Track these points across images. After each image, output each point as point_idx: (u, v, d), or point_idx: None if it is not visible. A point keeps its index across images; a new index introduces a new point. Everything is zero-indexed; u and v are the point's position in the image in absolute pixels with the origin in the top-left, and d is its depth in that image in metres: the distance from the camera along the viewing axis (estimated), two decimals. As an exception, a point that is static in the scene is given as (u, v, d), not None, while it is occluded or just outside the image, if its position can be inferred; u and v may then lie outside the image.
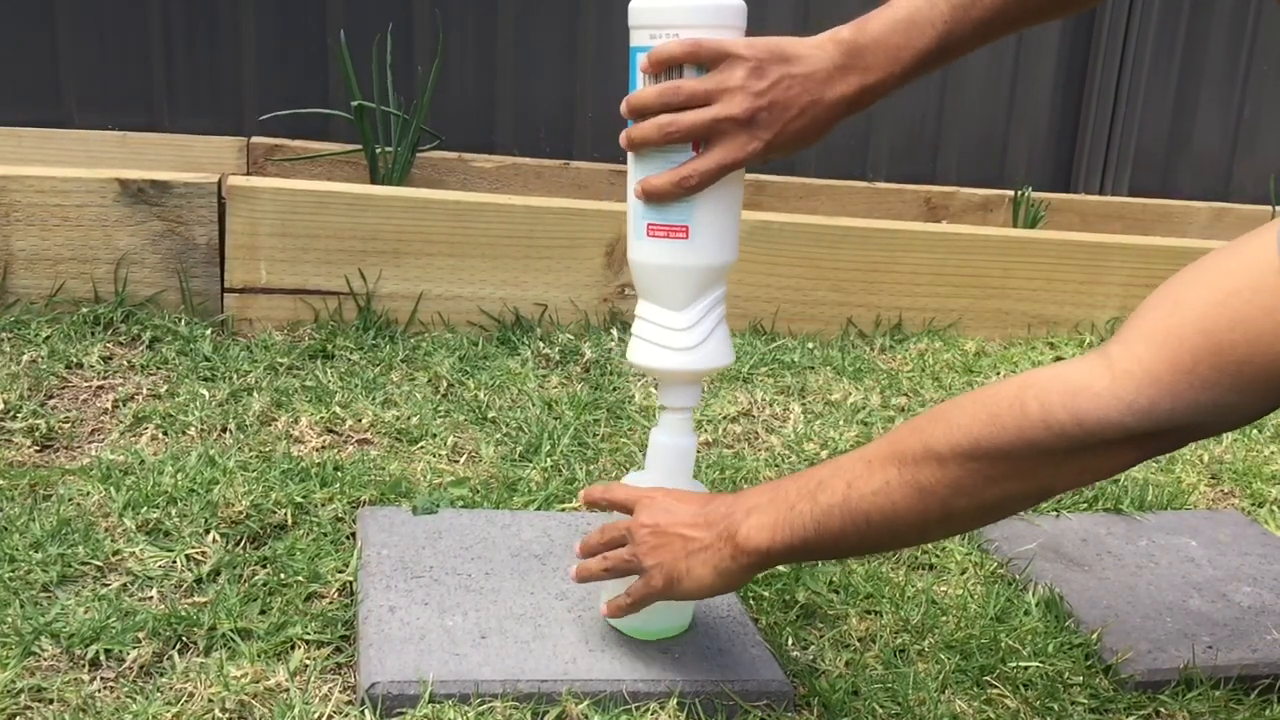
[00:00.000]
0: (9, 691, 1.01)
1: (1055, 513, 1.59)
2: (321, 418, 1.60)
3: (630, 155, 1.03)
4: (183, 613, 1.14)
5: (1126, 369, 0.83)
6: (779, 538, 0.97)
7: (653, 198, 1.01)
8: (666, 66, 0.99)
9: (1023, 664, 1.22)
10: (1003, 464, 0.88)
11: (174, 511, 1.32)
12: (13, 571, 1.18)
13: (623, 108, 1.01)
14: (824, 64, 1.00)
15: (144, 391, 1.64)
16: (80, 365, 1.69)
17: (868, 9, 1.03)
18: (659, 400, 1.10)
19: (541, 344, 1.95)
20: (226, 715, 1.02)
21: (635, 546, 1.04)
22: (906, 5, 1.02)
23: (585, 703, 1.06)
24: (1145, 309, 0.86)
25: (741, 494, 1.03)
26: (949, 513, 0.91)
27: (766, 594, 1.30)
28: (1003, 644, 1.25)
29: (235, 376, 1.71)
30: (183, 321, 1.84)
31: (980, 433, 0.88)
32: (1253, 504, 1.72)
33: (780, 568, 1.32)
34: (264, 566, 1.25)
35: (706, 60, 0.98)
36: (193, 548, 1.25)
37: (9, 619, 1.10)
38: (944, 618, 1.30)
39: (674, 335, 1.05)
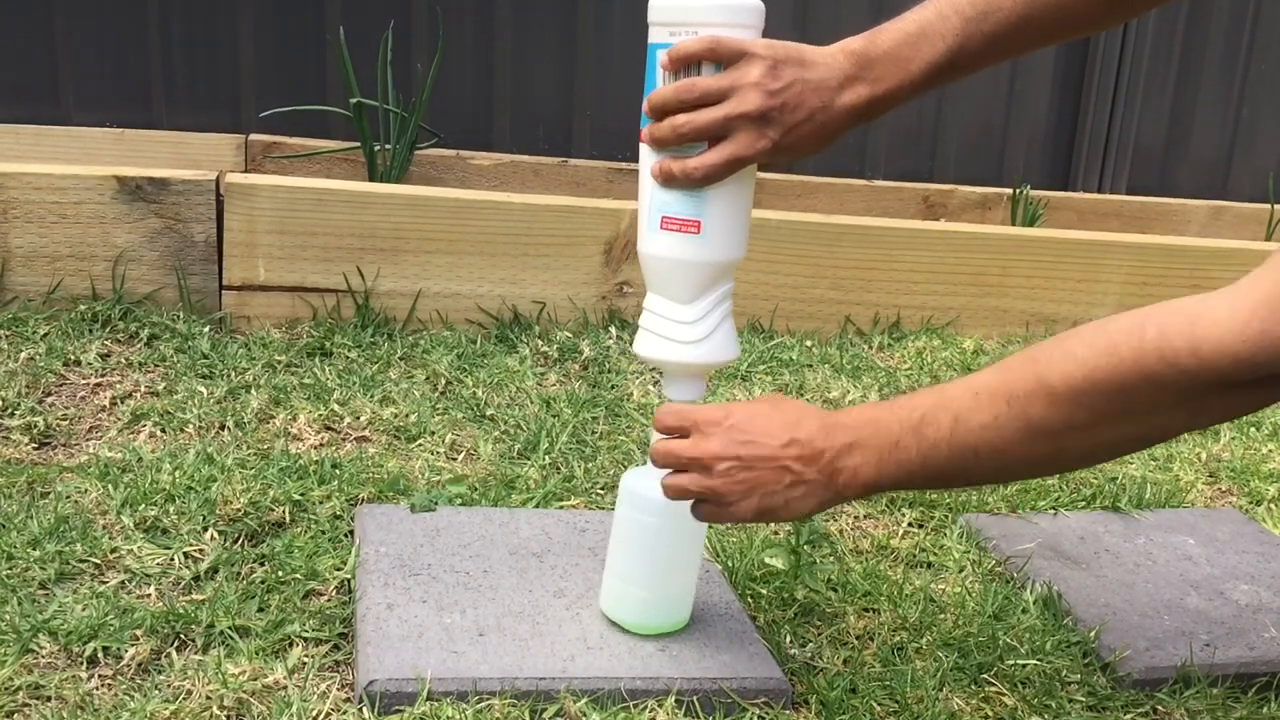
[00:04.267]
0: (7, 689, 1.01)
1: (1053, 511, 1.59)
2: (319, 415, 1.60)
3: (644, 146, 1.04)
4: (181, 610, 1.14)
5: (1249, 295, 0.80)
6: (885, 473, 0.96)
7: (664, 180, 1.02)
8: (686, 64, 1.00)
9: (1020, 662, 1.22)
10: (1117, 400, 0.84)
11: (172, 509, 1.31)
12: (10, 569, 1.18)
13: (644, 106, 1.02)
14: (835, 73, 1.01)
15: (142, 389, 1.64)
16: (78, 362, 1.69)
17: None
18: (665, 393, 1.11)
19: (540, 342, 1.95)
20: (224, 713, 1.02)
21: (713, 479, 1.00)
22: (918, 18, 1.03)
23: (583, 700, 1.06)
24: None
25: (829, 422, 0.99)
26: (1059, 450, 0.89)
27: (765, 591, 1.31)
28: (1000, 642, 1.25)
29: (233, 374, 1.71)
30: (181, 319, 1.84)
31: (1096, 364, 0.84)
32: (1251, 502, 1.72)
33: (778, 565, 1.32)
34: (262, 564, 1.25)
35: (724, 58, 0.99)
36: (190, 545, 1.25)
37: (7, 616, 1.10)
38: (942, 615, 1.30)
39: (680, 328, 1.06)
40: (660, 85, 1.02)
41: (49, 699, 1.01)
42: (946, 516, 1.54)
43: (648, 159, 1.04)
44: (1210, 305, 0.81)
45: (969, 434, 0.91)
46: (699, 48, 0.99)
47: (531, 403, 1.73)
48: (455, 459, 1.55)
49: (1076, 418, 0.86)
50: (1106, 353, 0.84)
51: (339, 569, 1.24)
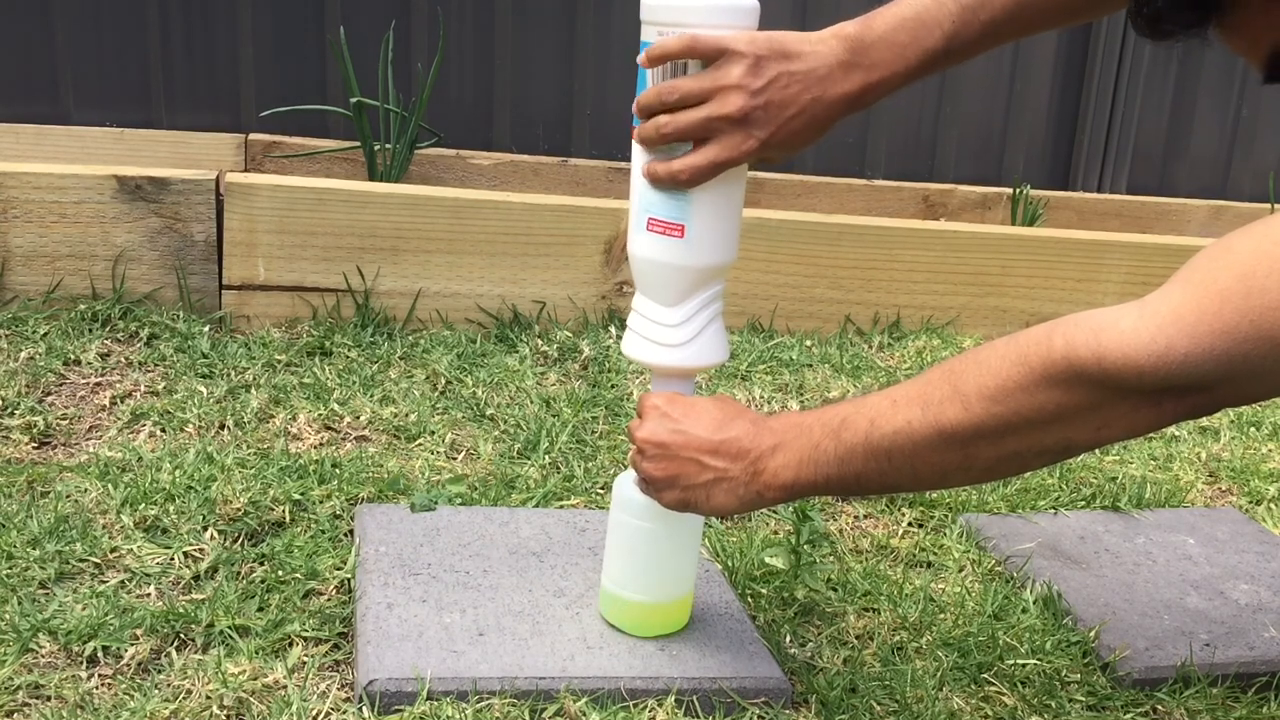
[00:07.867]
0: (7, 688, 1.01)
1: (1053, 510, 1.59)
2: (319, 415, 1.60)
3: (636, 145, 1.04)
4: (180, 610, 1.14)
5: (1155, 309, 0.80)
6: (804, 475, 0.97)
7: (651, 180, 1.02)
8: (663, 62, 0.99)
9: (1020, 661, 1.22)
10: (1026, 409, 0.85)
11: (172, 508, 1.31)
12: (10, 568, 1.18)
13: (634, 106, 1.02)
14: (826, 60, 0.99)
15: (142, 388, 1.64)
16: (78, 362, 1.69)
17: (867, 7, 1.03)
18: (651, 390, 1.10)
19: (540, 341, 1.95)
20: (224, 712, 1.02)
21: (645, 461, 1.04)
22: (914, 4, 1.02)
23: (583, 700, 1.06)
24: (1198, 254, 0.82)
25: (760, 424, 1.01)
26: (968, 458, 0.89)
27: (764, 591, 1.31)
28: (1000, 641, 1.25)
29: (233, 373, 1.71)
30: (180, 318, 1.84)
31: (1008, 373, 0.85)
32: (1250, 502, 1.72)
33: (778, 565, 1.32)
34: (262, 563, 1.25)
35: (704, 56, 0.98)
36: (190, 545, 1.25)
37: (7, 616, 1.10)
38: (942, 615, 1.30)
39: (664, 331, 1.05)
40: (649, 85, 1.01)
41: (49, 698, 1.01)
42: (946, 516, 1.54)
43: (639, 158, 1.03)
44: (1117, 317, 0.82)
45: (883, 438, 0.92)
46: (676, 46, 0.98)
47: (531, 402, 1.73)
48: (455, 458, 1.55)
49: (986, 425, 0.87)
50: (1017, 362, 0.85)
51: (339, 568, 1.24)
